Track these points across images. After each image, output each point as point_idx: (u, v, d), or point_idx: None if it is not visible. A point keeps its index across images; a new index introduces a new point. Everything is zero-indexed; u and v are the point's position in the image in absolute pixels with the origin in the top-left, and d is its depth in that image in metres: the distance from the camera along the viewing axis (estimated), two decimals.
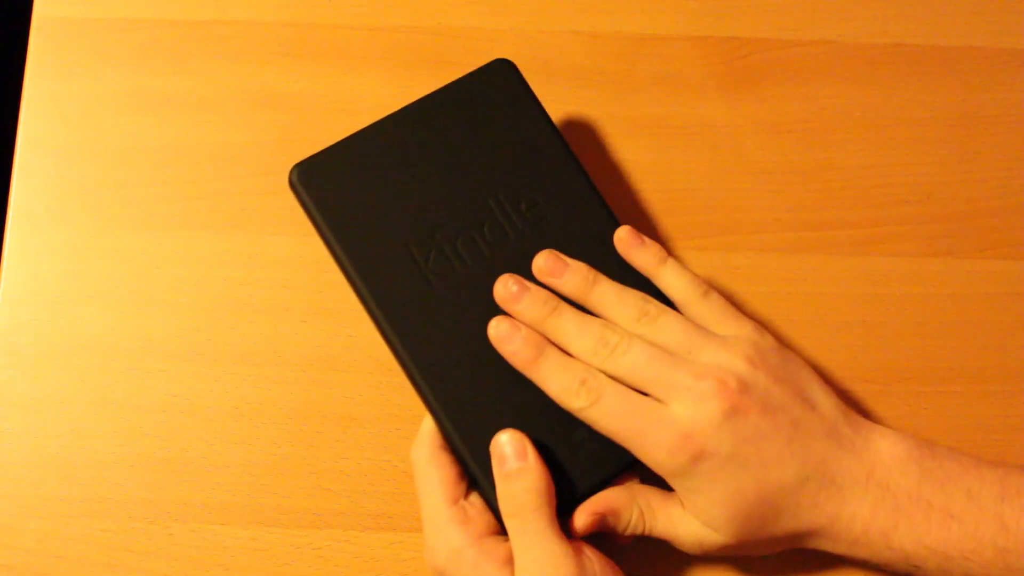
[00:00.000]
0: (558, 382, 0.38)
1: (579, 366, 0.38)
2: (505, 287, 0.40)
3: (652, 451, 0.37)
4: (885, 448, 0.38)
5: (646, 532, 0.39)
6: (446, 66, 0.48)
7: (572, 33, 0.49)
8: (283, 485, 0.44)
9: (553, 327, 0.39)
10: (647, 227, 0.47)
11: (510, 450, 0.37)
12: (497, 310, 0.40)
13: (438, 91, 0.42)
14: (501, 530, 0.38)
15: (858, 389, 0.45)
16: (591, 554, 0.37)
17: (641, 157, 0.48)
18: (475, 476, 0.39)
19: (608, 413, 0.37)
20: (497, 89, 0.42)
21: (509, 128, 0.42)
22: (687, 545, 0.39)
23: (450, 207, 0.41)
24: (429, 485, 0.38)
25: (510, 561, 0.36)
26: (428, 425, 0.39)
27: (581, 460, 0.39)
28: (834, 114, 0.48)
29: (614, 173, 0.47)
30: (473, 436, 0.38)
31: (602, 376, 0.38)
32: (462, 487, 0.38)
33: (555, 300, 0.40)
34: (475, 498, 0.39)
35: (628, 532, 0.39)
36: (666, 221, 0.47)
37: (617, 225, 0.42)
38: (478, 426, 0.38)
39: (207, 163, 0.47)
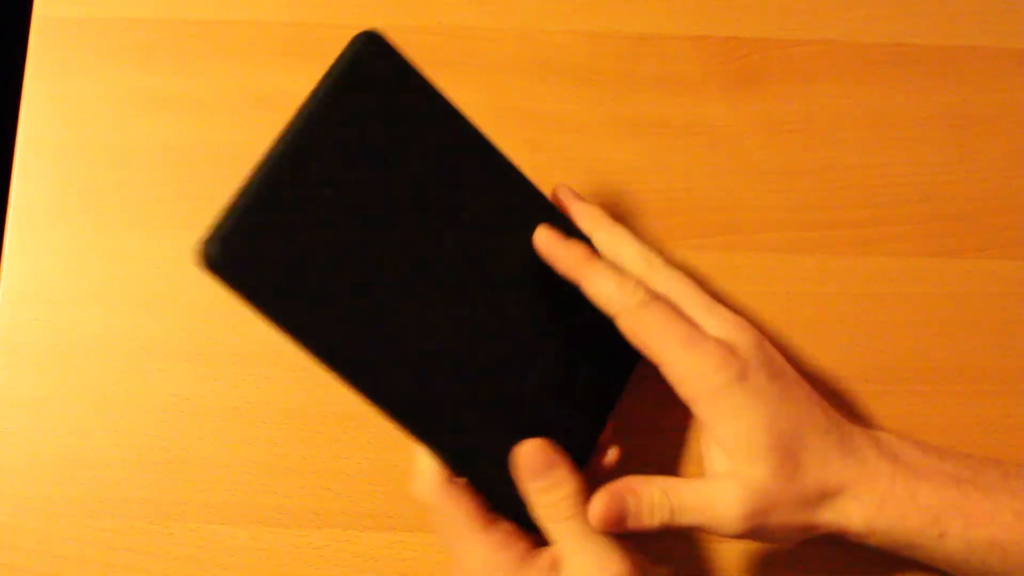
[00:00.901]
0: (613, 280, 0.37)
1: (632, 274, 0.38)
2: (546, 234, 0.39)
3: (700, 361, 0.36)
4: (881, 433, 0.39)
5: (672, 513, 0.37)
6: (446, 66, 0.48)
7: (572, 33, 0.49)
8: (283, 485, 0.44)
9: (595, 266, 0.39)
10: (647, 227, 0.47)
11: (539, 462, 0.37)
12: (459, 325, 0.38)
13: (319, 101, 0.36)
14: (536, 542, 0.37)
15: (858, 389, 0.45)
16: (632, 548, 0.36)
17: (641, 157, 0.48)
18: (499, 499, 0.37)
19: (660, 315, 0.37)
20: (378, 75, 0.37)
21: (406, 121, 0.37)
22: (719, 510, 0.36)
23: (379, 236, 0.36)
24: (455, 520, 0.37)
25: (555, 567, 0.36)
26: (425, 461, 0.38)
27: (567, 438, 0.38)
28: (834, 114, 0.48)
29: (614, 173, 0.47)
30: (483, 466, 0.37)
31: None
32: (487, 512, 0.37)
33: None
34: (502, 521, 0.38)
35: (653, 519, 0.37)
36: (666, 221, 0.47)
37: (543, 197, 0.40)
38: (482, 452, 0.37)
39: (207, 163, 0.47)
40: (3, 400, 0.44)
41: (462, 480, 0.38)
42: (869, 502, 0.37)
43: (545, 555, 0.36)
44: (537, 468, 0.37)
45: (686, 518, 0.37)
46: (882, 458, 0.38)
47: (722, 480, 0.37)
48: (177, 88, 0.48)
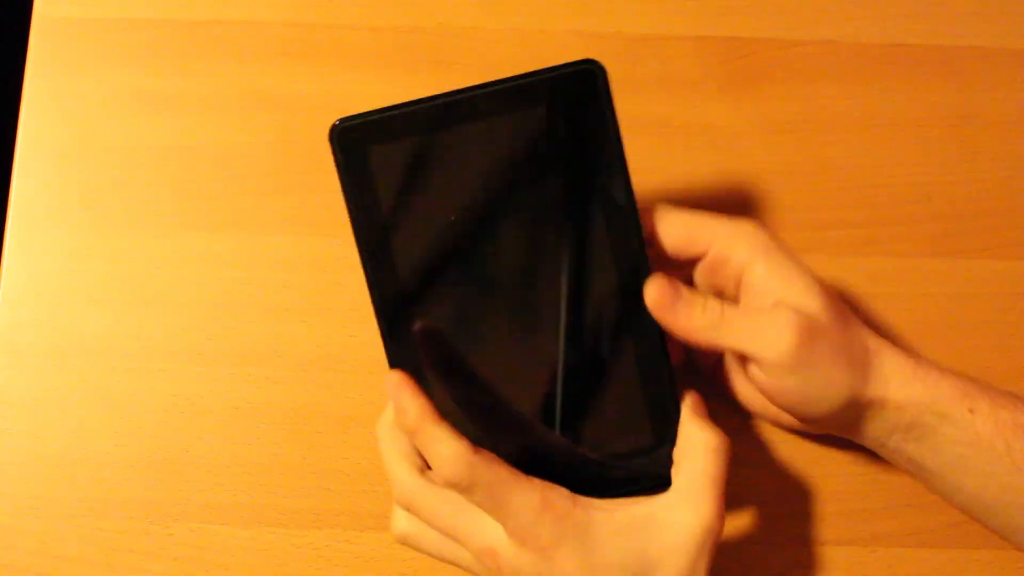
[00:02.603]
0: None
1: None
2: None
3: (748, 232, 0.39)
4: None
5: (723, 319, 0.37)
6: (446, 66, 0.48)
7: (572, 33, 0.49)
8: (283, 485, 0.44)
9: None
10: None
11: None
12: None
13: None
14: None
15: None
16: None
17: (641, 157, 0.48)
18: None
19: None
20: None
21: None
22: (770, 333, 0.36)
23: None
24: (499, 479, 0.36)
25: (608, 508, 0.36)
26: (447, 443, 0.37)
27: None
28: (834, 114, 0.48)
29: None
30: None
31: None
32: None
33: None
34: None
35: (705, 313, 0.37)
36: None
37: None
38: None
39: (207, 163, 0.47)
40: (3, 400, 0.44)
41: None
42: (904, 365, 0.38)
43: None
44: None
45: (733, 337, 0.37)
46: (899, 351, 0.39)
47: (774, 307, 0.37)
48: (177, 88, 0.48)
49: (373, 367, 0.45)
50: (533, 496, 0.35)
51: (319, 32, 0.49)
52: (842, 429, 0.40)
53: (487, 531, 0.36)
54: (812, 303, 0.37)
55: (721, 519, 0.36)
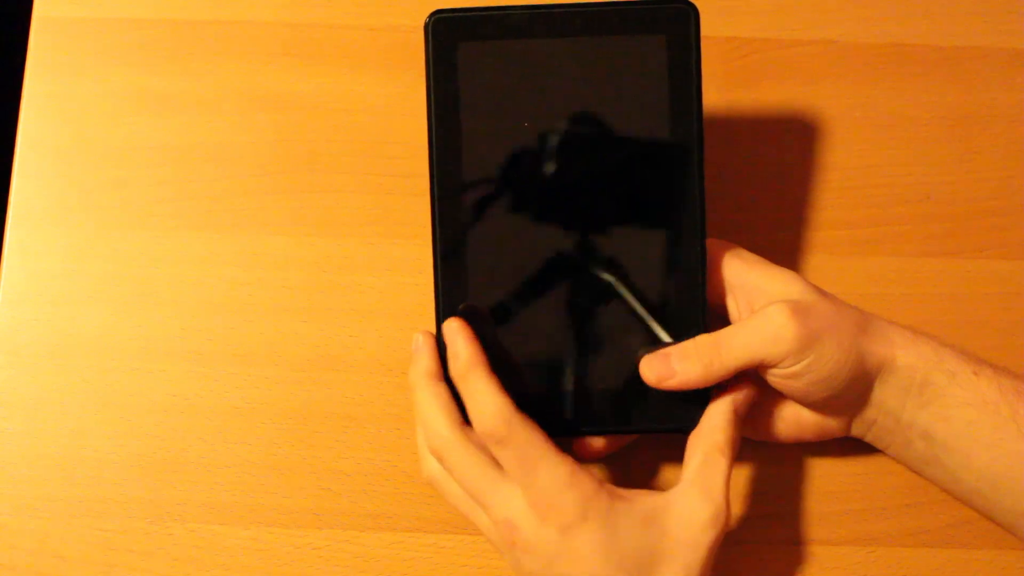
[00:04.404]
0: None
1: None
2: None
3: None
4: None
5: (720, 347, 0.38)
6: None
7: None
8: (283, 485, 0.44)
9: None
10: None
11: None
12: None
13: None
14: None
15: None
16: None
17: None
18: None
19: None
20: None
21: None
22: (771, 329, 0.37)
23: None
24: (533, 445, 0.36)
25: (630, 498, 0.37)
26: (492, 396, 0.37)
27: None
28: (834, 114, 0.48)
29: None
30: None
31: None
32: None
33: None
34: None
35: (700, 357, 0.38)
36: None
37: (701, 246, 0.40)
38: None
39: (207, 163, 0.47)
40: (3, 400, 0.44)
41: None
42: (904, 330, 0.39)
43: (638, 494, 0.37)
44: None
45: (736, 354, 0.37)
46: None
47: (765, 307, 0.38)
48: (177, 88, 0.48)
49: (373, 367, 0.45)
50: (563, 469, 0.36)
51: (319, 32, 0.49)
52: (863, 406, 0.40)
53: (510, 502, 0.36)
54: (793, 289, 0.39)
55: (729, 513, 0.36)
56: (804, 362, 0.37)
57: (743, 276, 0.40)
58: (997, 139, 0.48)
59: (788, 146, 0.48)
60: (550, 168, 0.39)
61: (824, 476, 0.44)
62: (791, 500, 0.44)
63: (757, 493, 0.44)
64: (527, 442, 0.36)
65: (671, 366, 0.38)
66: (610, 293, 0.39)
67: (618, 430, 0.40)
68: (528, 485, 0.36)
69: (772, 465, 0.44)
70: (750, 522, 0.43)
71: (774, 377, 0.38)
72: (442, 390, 0.38)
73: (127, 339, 0.45)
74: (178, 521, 0.43)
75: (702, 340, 0.38)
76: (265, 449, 0.44)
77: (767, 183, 0.47)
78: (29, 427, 0.44)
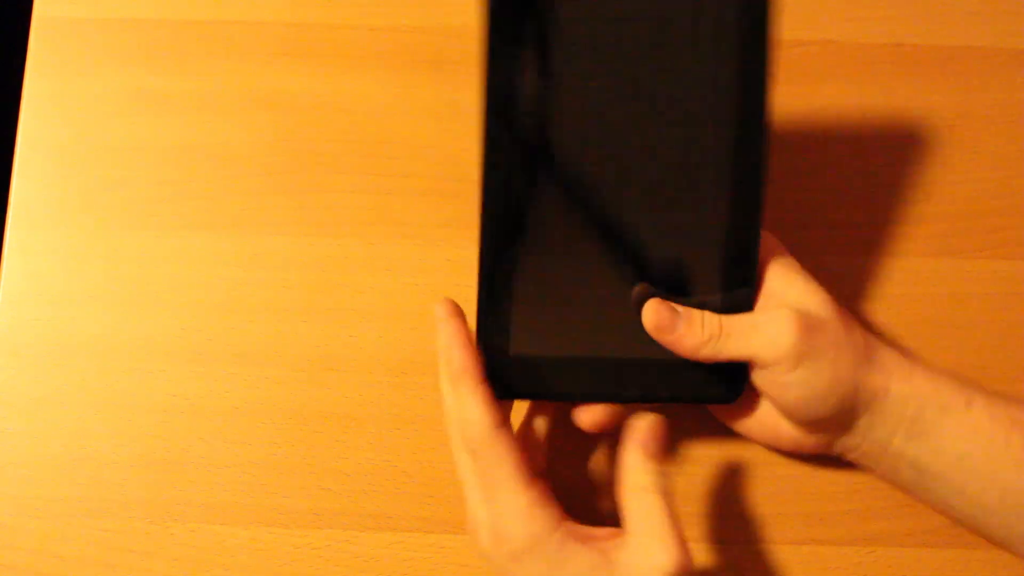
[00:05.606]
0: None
1: None
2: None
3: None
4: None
5: (722, 330, 0.38)
6: (446, 66, 0.48)
7: None
8: (283, 485, 0.44)
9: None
10: None
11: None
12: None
13: None
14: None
15: None
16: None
17: None
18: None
19: None
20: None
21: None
22: (771, 331, 0.37)
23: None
24: (501, 465, 0.36)
25: (589, 539, 0.36)
26: (476, 404, 0.37)
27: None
28: (834, 114, 0.48)
29: None
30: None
31: None
32: (529, 466, 0.37)
33: None
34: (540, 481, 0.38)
35: (704, 328, 0.37)
36: None
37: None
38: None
39: (207, 163, 0.47)
40: (3, 400, 0.44)
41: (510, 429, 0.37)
42: (902, 360, 0.39)
43: (582, 528, 0.37)
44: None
45: (734, 345, 0.37)
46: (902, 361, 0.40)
47: (773, 309, 0.38)
48: (177, 88, 0.48)
49: (373, 367, 0.45)
50: (521, 500, 0.36)
51: (319, 32, 0.49)
52: (847, 431, 0.40)
53: (479, 508, 0.36)
54: (811, 301, 0.38)
55: (690, 557, 0.35)
56: (797, 373, 0.37)
57: (769, 279, 0.39)
58: (997, 139, 0.48)
59: (788, 146, 0.48)
60: (609, 129, 0.38)
61: (824, 476, 0.44)
62: (791, 500, 0.44)
63: (757, 493, 0.44)
64: (495, 463, 0.36)
65: (676, 322, 0.37)
66: (660, 263, 0.39)
67: (657, 398, 0.40)
68: (488, 504, 0.36)
69: (772, 465, 0.44)
70: (750, 522, 0.43)
71: (765, 382, 0.38)
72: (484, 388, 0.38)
73: (127, 339, 0.45)
74: (178, 521, 0.43)
75: (711, 318, 0.38)
76: (265, 449, 0.44)
77: (767, 182, 0.47)
78: (29, 427, 0.44)
